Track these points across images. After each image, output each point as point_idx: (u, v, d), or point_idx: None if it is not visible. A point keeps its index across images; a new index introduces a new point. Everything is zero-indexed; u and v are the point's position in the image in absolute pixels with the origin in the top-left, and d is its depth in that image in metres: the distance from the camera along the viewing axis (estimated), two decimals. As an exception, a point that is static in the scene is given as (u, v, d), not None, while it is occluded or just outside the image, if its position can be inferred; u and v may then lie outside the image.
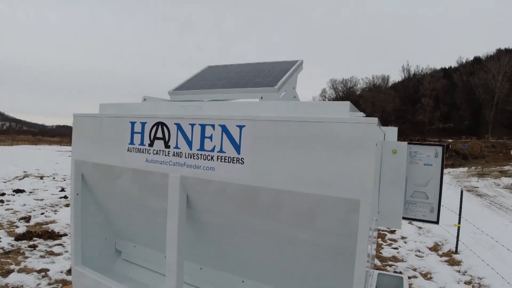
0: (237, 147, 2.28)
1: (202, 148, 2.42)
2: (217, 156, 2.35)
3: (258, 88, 2.92)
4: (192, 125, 2.47)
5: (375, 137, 2.05)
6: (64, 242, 5.56)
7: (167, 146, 2.60)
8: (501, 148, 44.92)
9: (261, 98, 2.72)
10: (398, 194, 3.06)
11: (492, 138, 52.97)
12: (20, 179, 12.85)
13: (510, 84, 60.93)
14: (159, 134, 2.65)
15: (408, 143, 3.14)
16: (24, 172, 15.03)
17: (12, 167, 15.88)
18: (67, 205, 8.57)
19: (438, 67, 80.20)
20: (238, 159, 2.27)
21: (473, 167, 32.72)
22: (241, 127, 2.27)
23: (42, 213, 7.49)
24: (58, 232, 6.03)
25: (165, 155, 2.61)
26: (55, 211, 7.81)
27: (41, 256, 4.92)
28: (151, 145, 2.70)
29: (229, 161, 2.30)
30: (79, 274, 3.56)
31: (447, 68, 79.46)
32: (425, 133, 62.95)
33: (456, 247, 6.82)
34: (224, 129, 2.33)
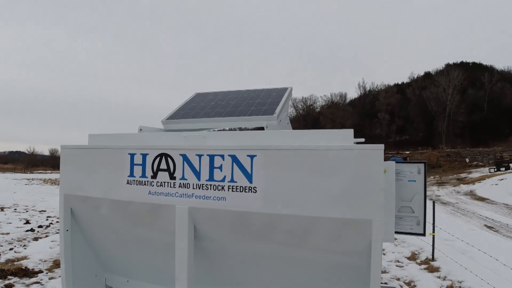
0: (249, 176, 2.31)
1: (211, 178, 2.43)
2: (228, 186, 2.37)
3: (257, 116, 2.99)
4: (200, 155, 2.48)
5: (382, 161, 2.17)
6: (41, 280, 5.23)
7: (172, 177, 2.59)
8: (455, 157, 47.59)
9: (267, 127, 2.78)
10: (390, 210, 3.19)
11: (446, 148, 56.02)
12: (-24, 213, 11.97)
13: (460, 96, 65.21)
14: (163, 166, 2.63)
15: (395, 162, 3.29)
16: (-20, 204, 14.03)
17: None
18: (36, 239, 8.10)
19: (392, 83, 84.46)
20: (250, 188, 2.31)
21: (431, 177, 34.35)
22: (252, 156, 2.32)
23: (11, 249, 7.03)
24: (33, 269, 5.67)
25: (171, 187, 2.59)
26: (24, 246, 7.35)
27: (20, 298, 4.61)
28: (154, 177, 2.67)
29: (241, 190, 2.33)
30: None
31: (400, 83, 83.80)
32: (384, 146, 65.39)
33: (433, 255, 7.13)
34: (234, 159, 2.36)
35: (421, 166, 3.70)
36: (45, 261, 6.22)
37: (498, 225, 11.26)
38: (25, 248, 7.08)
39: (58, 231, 9.07)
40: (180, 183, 2.55)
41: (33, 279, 5.25)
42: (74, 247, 3.49)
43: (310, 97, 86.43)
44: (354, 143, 2.42)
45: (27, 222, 10.25)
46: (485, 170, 35.19)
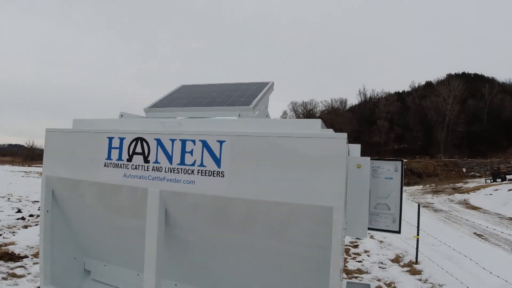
0: (217, 161, 2.40)
1: (182, 162, 2.52)
2: (198, 170, 2.46)
3: (234, 106, 3.07)
4: (173, 140, 2.57)
5: (345, 150, 2.25)
6: (26, 264, 5.32)
7: (146, 161, 2.67)
8: (453, 167, 47.64)
9: (239, 115, 2.86)
10: (363, 205, 3.24)
11: (444, 158, 56.06)
12: (-30, 201, 12.05)
13: (460, 107, 65.35)
14: (139, 149, 2.72)
15: (370, 159, 3.35)
16: (-25, 193, 14.11)
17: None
18: (25, 227, 8.19)
19: (392, 91, 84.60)
20: (218, 172, 2.39)
21: (427, 185, 34.43)
22: (221, 142, 2.40)
23: (0, 235, 7.11)
24: (19, 254, 5.75)
25: (144, 170, 2.67)
26: (13, 232, 7.44)
27: (3, 278, 4.69)
28: (129, 160, 2.76)
29: (210, 174, 2.42)
30: (47, 295, 3.45)
31: (401, 92, 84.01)
32: (381, 154, 65.40)
33: (416, 258, 7.21)
34: (204, 144, 2.45)
35: (398, 164, 3.75)
36: (31, 247, 6.30)
37: (487, 233, 11.32)
38: (13, 235, 7.16)
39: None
40: (153, 167, 2.64)
41: (18, 263, 5.33)
42: (54, 229, 3.57)
43: (311, 101, 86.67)
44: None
45: (19, 211, 10.33)
46: (481, 181, 35.25)
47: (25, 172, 36.06)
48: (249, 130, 2.45)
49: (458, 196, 23.88)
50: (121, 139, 2.82)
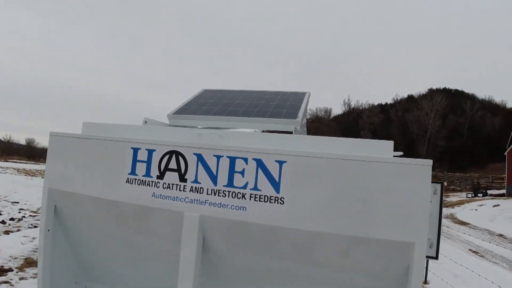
0: (276, 185, 2.01)
1: (230, 184, 2.12)
2: (250, 194, 2.06)
3: (278, 118, 2.70)
4: (218, 157, 2.17)
5: (430, 179, 1.92)
6: (11, 280, 4.74)
7: (182, 179, 2.26)
8: (433, 180, 48.37)
9: (295, 130, 2.48)
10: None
11: (425, 170, 56.76)
12: None
13: (442, 121, 66.68)
14: (173, 165, 2.30)
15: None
16: None
17: None
18: (7, 232, 7.53)
19: (376, 103, 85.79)
20: (277, 198, 2.01)
21: (411, 197, 34.73)
22: (281, 162, 2.02)
23: (-23, 243, 6.46)
24: (2, 266, 5.16)
25: (180, 190, 2.26)
26: (-7, 240, 6.79)
27: (-15, 299, 4.13)
28: (160, 177, 2.34)
29: (266, 200, 2.03)
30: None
31: (384, 104, 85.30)
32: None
33: (425, 277, 6.93)
34: (259, 163, 2.06)
35: (438, 186, 3.50)
36: (15, 258, 5.69)
37: (482, 250, 11.27)
38: (-7, 243, 6.52)
39: (30, 226, 8.49)
40: (191, 187, 2.23)
41: (2, 278, 4.75)
42: (54, 249, 3.10)
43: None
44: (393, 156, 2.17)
45: (-2, 213, 9.60)
46: (462, 195, 35.84)
47: (2, 167, 34.46)
48: (309, 149, 2.08)
49: (443, 210, 24.07)
50: (150, 151, 2.39)
